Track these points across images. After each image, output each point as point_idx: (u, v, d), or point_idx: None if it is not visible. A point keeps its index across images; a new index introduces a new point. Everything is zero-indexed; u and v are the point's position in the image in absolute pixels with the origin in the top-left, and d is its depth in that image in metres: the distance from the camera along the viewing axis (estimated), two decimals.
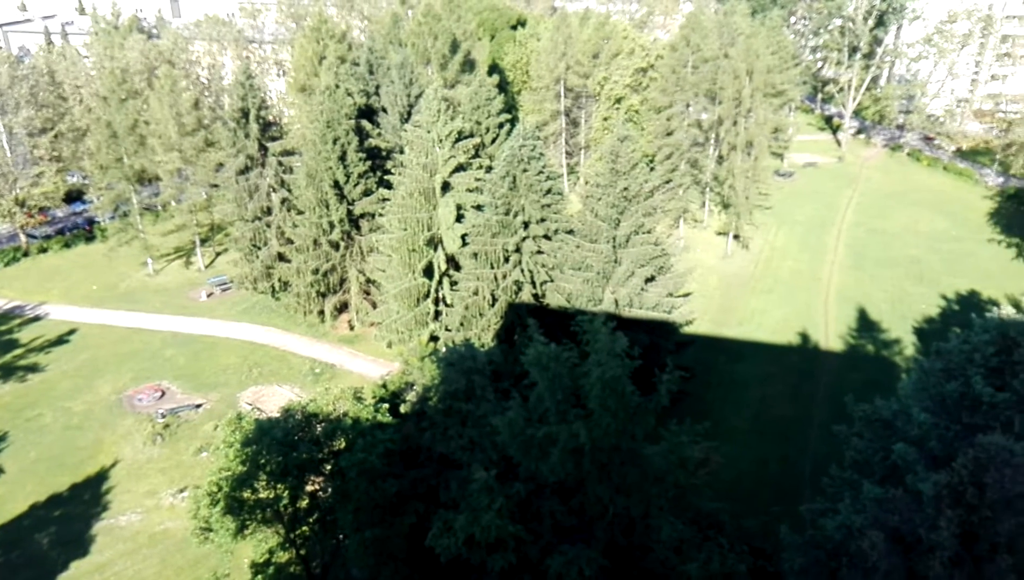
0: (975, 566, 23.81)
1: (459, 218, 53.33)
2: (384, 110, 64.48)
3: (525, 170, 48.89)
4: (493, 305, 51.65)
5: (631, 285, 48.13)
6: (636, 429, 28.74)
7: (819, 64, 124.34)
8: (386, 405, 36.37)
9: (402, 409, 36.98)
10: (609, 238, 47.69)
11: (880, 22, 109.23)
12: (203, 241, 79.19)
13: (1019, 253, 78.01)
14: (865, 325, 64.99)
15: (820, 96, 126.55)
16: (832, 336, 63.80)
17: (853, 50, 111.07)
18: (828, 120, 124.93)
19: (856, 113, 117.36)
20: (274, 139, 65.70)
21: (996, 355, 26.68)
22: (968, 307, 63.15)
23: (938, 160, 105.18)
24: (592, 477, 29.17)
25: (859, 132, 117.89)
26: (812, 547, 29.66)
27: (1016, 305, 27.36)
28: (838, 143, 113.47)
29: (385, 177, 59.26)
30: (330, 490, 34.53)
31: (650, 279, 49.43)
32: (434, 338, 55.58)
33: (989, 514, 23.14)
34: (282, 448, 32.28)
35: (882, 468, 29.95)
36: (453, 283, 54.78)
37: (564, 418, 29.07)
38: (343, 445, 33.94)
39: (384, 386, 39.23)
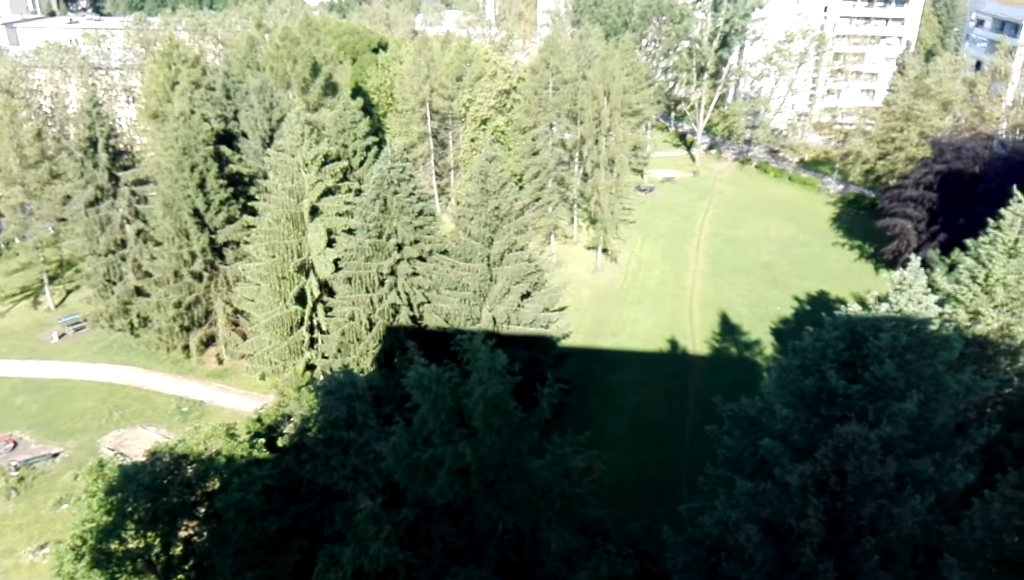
0: (843, 550, 25.33)
1: (330, 243, 52.30)
2: (244, 135, 62.50)
3: (396, 192, 48.64)
4: (371, 329, 50.88)
5: (508, 302, 48.67)
6: (521, 444, 29.02)
7: (671, 84, 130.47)
8: (262, 440, 35.06)
9: (280, 443, 35.71)
10: (483, 257, 48.07)
11: (724, 43, 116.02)
12: (52, 279, 73.66)
13: (861, 255, 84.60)
14: (727, 329, 68.51)
15: (673, 114, 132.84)
16: (698, 341, 66.85)
17: (701, 70, 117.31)
18: (682, 137, 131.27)
19: (707, 129, 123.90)
20: (126, 168, 62.18)
21: (847, 350, 28.46)
22: (819, 307, 67.63)
23: (784, 171, 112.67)
24: (480, 496, 29.17)
25: (711, 147, 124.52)
26: (693, 544, 30.73)
27: (861, 303, 29.48)
28: (692, 158, 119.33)
29: (249, 204, 57.30)
30: (206, 534, 32.80)
31: (526, 295, 50.16)
32: (310, 367, 54.12)
33: (851, 499, 24.67)
34: (150, 494, 30.45)
35: (752, 463, 31.41)
36: (328, 309, 53.57)
37: (449, 439, 28.96)
38: (217, 485, 32.38)
39: (259, 420, 37.81)
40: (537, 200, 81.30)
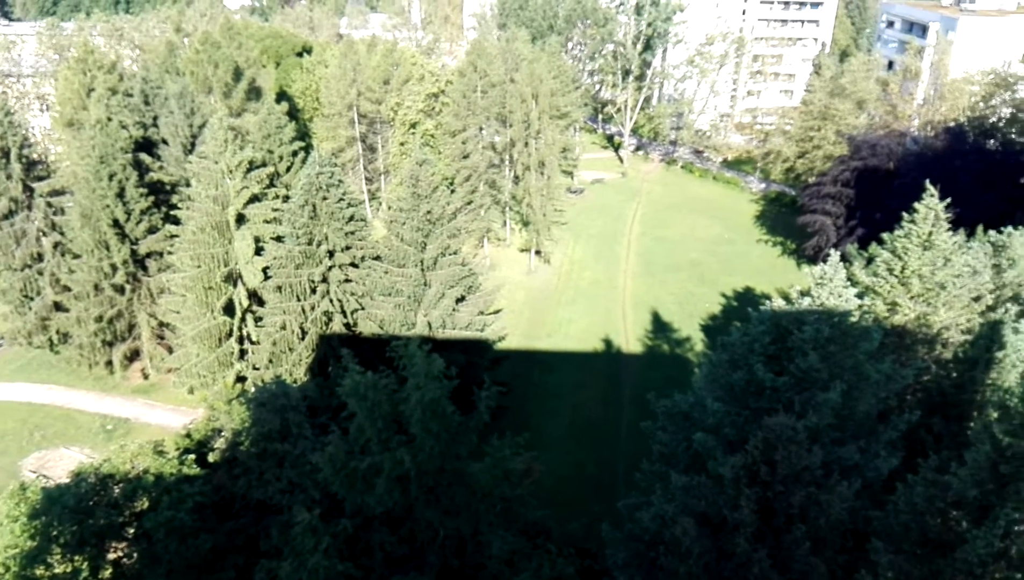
0: (775, 538, 26.04)
1: (258, 251, 51.18)
2: (165, 142, 60.70)
3: (325, 198, 47.94)
4: (303, 338, 49.99)
5: (443, 307, 48.49)
6: (460, 448, 28.94)
7: (597, 87, 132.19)
8: (192, 456, 34.09)
9: (211, 458, 34.75)
10: (417, 262, 47.79)
11: (648, 46, 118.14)
12: None
13: (784, 251, 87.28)
14: (659, 327, 69.76)
15: (601, 117, 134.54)
16: (632, 340, 67.88)
17: (626, 73, 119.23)
18: (610, 139, 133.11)
19: (634, 131, 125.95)
20: (40, 179, 59.60)
21: (773, 344, 29.28)
22: (745, 302, 69.50)
23: (708, 171, 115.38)
24: (420, 502, 28.96)
25: (638, 149, 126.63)
26: (631, 540, 31.15)
27: (785, 297, 30.39)
28: (620, 160, 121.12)
29: (172, 213, 55.60)
30: (136, 555, 31.64)
31: (461, 299, 50.06)
32: (241, 379, 52.88)
33: (782, 488, 25.39)
34: (76, 516, 29.28)
35: (686, 457, 32.05)
36: (258, 319, 52.41)
37: (387, 446, 28.66)
38: (146, 505, 31.32)
39: (188, 435, 36.75)
40: (469, 203, 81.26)
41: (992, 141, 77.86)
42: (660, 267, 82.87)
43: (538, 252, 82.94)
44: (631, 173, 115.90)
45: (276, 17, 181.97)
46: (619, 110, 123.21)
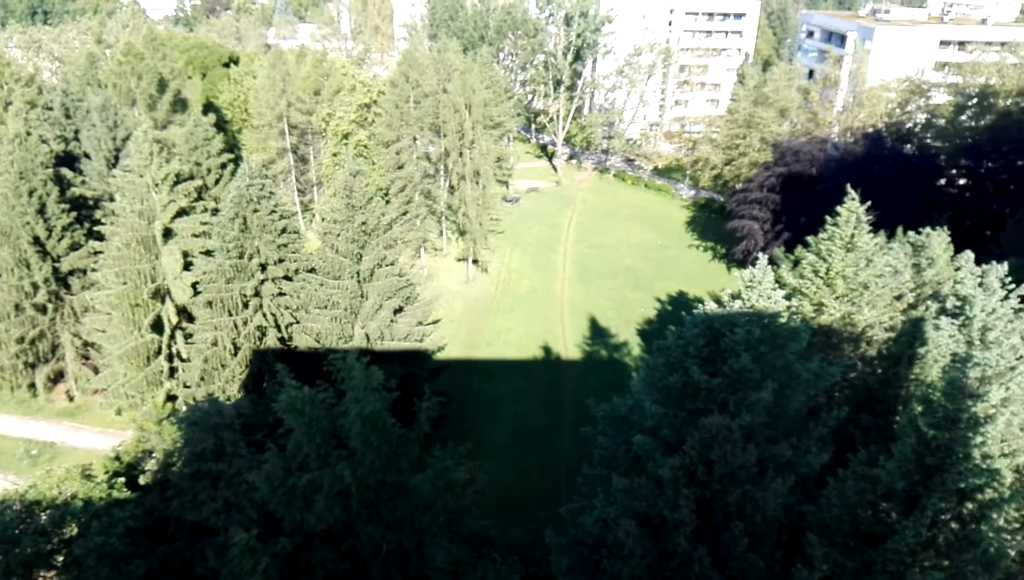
0: (714, 536, 26.54)
1: (187, 266, 49.87)
2: (87, 156, 58.71)
3: (256, 210, 47.04)
4: (236, 354, 48.84)
5: (380, 318, 48.05)
6: (401, 461, 28.69)
7: (529, 97, 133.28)
8: (122, 479, 33.01)
9: (142, 480, 33.69)
10: (353, 273, 47.27)
11: (578, 57, 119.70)
12: None
13: (714, 255, 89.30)
14: (597, 332, 70.50)
15: (534, 126, 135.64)
16: (571, 346, 68.41)
17: (557, 83, 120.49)
18: (543, 148, 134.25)
19: (567, 140, 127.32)
20: None
21: (706, 346, 29.89)
22: (679, 306, 70.86)
23: (640, 179, 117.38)
24: (362, 518, 28.56)
25: (571, 157, 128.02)
26: (575, 545, 31.33)
27: (717, 301, 31.10)
28: (554, 169, 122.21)
29: (96, 228, 53.74)
30: None
31: (399, 310, 49.70)
32: (172, 398, 51.34)
33: (719, 487, 25.90)
34: (1, 545, 27.93)
35: (626, 460, 32.42)
36: (188, 336, 51.00)
37: (326, 461, 28.22)
38: (76, 531, 30.14)
39: (117, 458, 35.60)
40: (405, 214, 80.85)
41: (909, 146, 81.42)
42: (596, 274, 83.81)
43: (475, 261, 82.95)
44: (565, 182, 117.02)
45: (201, 27, 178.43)
46: (552, 120, 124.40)
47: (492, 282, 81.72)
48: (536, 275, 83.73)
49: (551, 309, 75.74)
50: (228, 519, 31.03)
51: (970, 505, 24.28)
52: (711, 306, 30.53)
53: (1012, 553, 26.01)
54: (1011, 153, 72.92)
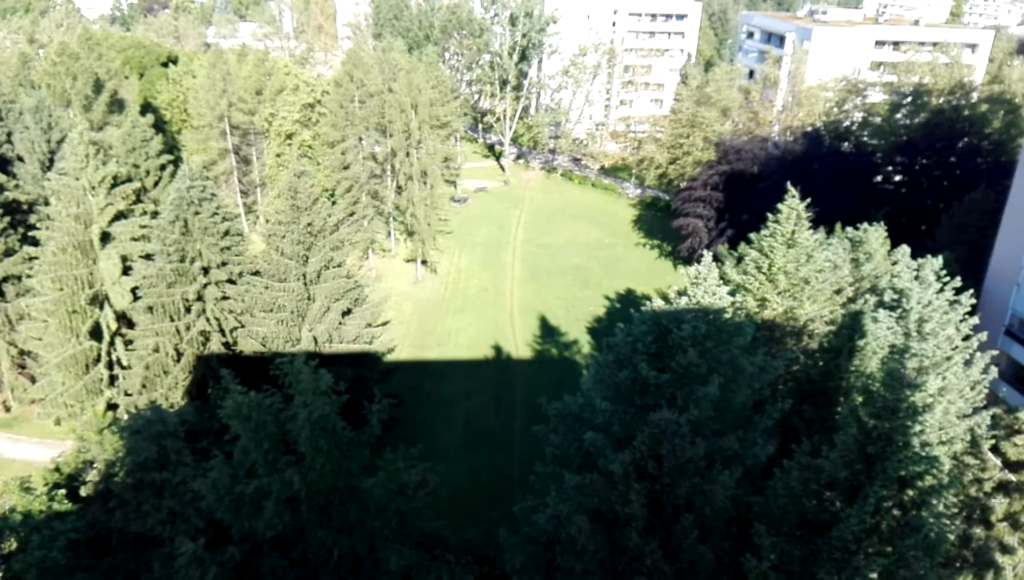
0: (665, 529, 26.91)
1: (126, 270, 48.51)
2: (20, 159, 56.63)
3: (197, 212, 46.04)
4: (179, 360, 47.69)
5: (328, 321, 47.44)
6: (352, 465, 28.34)
7: (476, 97, 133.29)
8: (62, 491, 31.97)
9: (83, 492, 32.62)
10: (299, 276, 46.56)
11: (523, 57, 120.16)
12: None
13: (661, 253, 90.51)
14: (547, 331, 70.81)
15: (481, 126, 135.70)
16: (521, 345, 68.57)
17: (503, 83, 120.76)
18: (491, 148, 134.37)
19: (514, 140, 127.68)
20: None
21: (654, 342, 30.22)
22: (627, 304, 71.58)
23: (587, 178, 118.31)
24: (312, 523, 28.15)
25: (519, 157, 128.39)
26: (529, 543, 31.42)
27: (664, 298, 31.47)
28: (502, 168, 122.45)
29: (30, 233, 51.95)
30: None
31: (347, 312, 49.12)
32: (113, 406, 49.91)
33: (668, 481, 26.27)
34: None
35: (578, 457, 32.60)
36: (128, 342, 49.61)
37: (275, 467, 27.72)
38: (15, 546, 29.08)
39: (57, 469, 34.42)
40: (351, 215, 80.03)
41: (846, 144, 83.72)
42: (545, 273, 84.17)
43: (424, 262, 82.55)
44: (513, 181, 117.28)
45: (138, 27, 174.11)
46: (498, 120, 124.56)
47: (441, 283, 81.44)
48: (485, 275, 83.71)
49: (501, 309, 75.81)
50: (174, 529, 30.27)
51: (911, 492, 25.06)
52: (658, 303, 30.90)
53: (951, 537, 26.98)
54: (944, 150, 75.50)
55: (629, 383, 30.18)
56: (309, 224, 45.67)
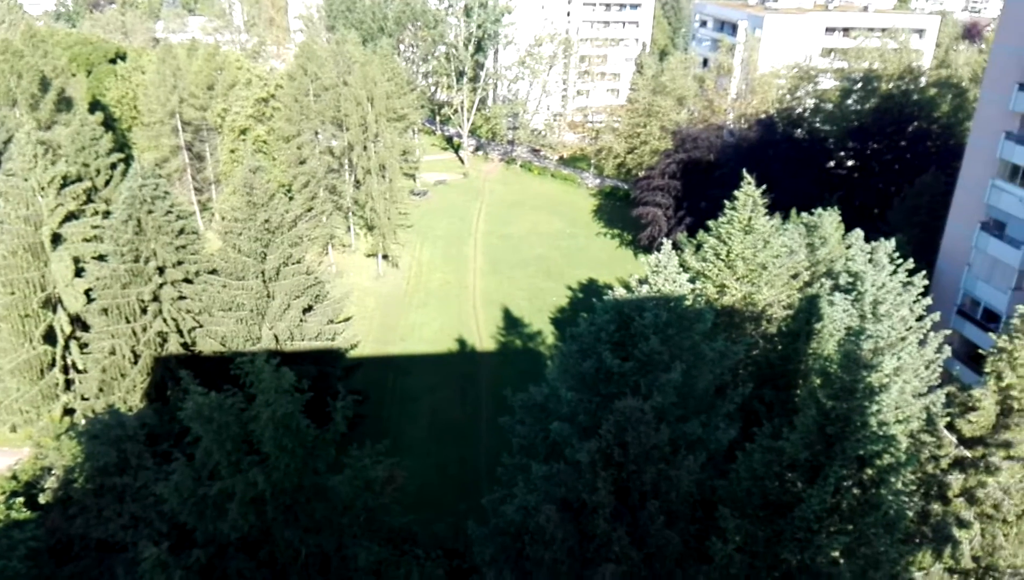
0: (632, 515, 27.21)
1: (79, 272, 47.41)
2: None
3: (150, 211, 45.14)
4: (136, 362, 46.79)
5: (289, 318, 46.92)
6: (317, 463, 28.13)
7: (433, 89, 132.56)
8: (20, 499, 31.40)
9: (42, 499, 31.99)
10: (258, 273, 45.95)
11: (479, 48, 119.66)
12: None
13: (621, 242, 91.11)
14: (511, 323, 70.90)
15: (439, 118, 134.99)
16: (485, 338, 68.57)
17: (460, 74, 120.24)
18: (449, 140, 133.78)
19: (472, 132, 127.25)
20: None
21: (617, 331, 30.57)
22: (590, 293, 71.91)
23: (546, 169, 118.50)
24: (278, 523, 27.89)
25: (477, 149, 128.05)
26: (498, 535, 31.53)
27: (626, 286, 31.78)
28: (461, 161, 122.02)
29: None
30: None
31: (308, 309, 48.62)
32: (69, 411, 48.86)
33: (634, 468, 26.54)
34: None
35: (545, 447, 32.83)
36: (83, 345, 48.52)
37: (238, 468, 27.39)
38: None
39: (14, 477, 33.74)
40: (310, 210, 79.09)
41: (800, 130, 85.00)
42: (507, 264, 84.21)
43: (385, 256, 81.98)
44: (472, 173, 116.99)
45: (85, 23, 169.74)
46: (456, 111, 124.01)
47: (403, 277, 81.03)
48: (447, 268, 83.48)
49: (464, 301, 75.70)
50: (136, 534, 29.80)
51: (870, 471, 25.67)
52: (620, 292, 31.19)
53: (910, 514, 27.73)
54: (894, 134, 77.11)
55: (593, 372, 30.43)
56: (266, 220, 45.08)
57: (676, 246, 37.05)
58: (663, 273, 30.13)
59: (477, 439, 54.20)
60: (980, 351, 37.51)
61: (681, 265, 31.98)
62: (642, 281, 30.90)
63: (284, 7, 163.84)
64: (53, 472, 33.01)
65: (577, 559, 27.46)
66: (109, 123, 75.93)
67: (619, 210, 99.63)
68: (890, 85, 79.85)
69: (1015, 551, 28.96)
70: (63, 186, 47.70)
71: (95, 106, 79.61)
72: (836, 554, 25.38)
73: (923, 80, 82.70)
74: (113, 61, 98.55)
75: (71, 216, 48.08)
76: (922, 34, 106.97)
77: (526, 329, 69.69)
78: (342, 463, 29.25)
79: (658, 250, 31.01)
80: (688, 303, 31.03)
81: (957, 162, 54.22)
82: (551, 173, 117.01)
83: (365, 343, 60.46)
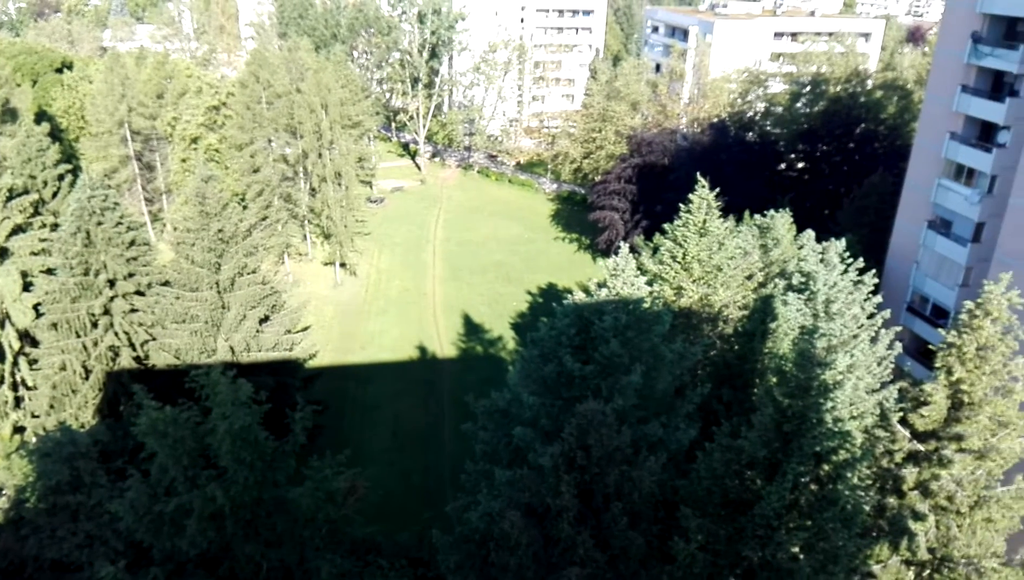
0: (595, 518, 27.31)
1: (27, 287, 46.25)
2: None
3: (100, 223, 44.14)
4: (87, 378, 45.68)
5: (245, 329, 46.24)
6: (277, 475, 27.78)
7: (388, 95, 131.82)
8: None
9: None
10: (212, 284, 45.20)
11: (434, 54, 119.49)
12: None
13: (580, 246, 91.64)
14: (471, 329, 70.80)
15: (394, 125, 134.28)
16: (446, 344, 68.35)
17: (415, 81, 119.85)
18: (405, 146, 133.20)
19: (428, 138, 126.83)
20: None
21: (577, 335, 30.69)
22: (549, 298, 72.24)
23: (504, 174, 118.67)
24: (238, 538, 27.45)
25: (434, 155, 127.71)
26: (462, 542, 31.35)
27: (585, 290, 31.95)
28: (418, 167, 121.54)
29: None
30: None
31: (264, 319, 47.99)
32: (20, 429, 47.58)
33: (597, 470, 26.62)
34: None
35: (508, 453, 32.79)
36: (33, 362, 47.24)
37: (195, 483, 26.92)
38: None
39: None
40: (264, 219, 78.10)
41: (751, 133, 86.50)
42: (467, 270, 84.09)
43: (343, 264, 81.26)
44: (430, 180, 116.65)
45: (29, 32, 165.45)
46: (412, 118, 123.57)
47: (362, 285, 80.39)
48: (406, 275, 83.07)
49: (424, 308, 75.39)
50: (92, 553, 29.10)
51: (826, 467, 26.15)
52: (580, 296, 31.35)
53: (867, 508, 28.30)
54: (842, 136, 78.85)
55: (555, 376, 30.51)
56: (220, 230, 44.41)
57: (633, 249, 37.32)
58: (621, 276, 30.37)
59: (440, 446, 53.96)
60: (930, 346, 38.54)
61: (639, 268, 32.23)
62: (601, 285, 31.10)
63: (235, 14, 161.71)
64: (3, 492, 32.13)
65: (542, 563, 27.46)
66: (56, 134, 74.12)
67: (577, 214, 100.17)
68: (838, 88, 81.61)
69: (969, 541, 29.73)
70: (9, 199, 46.65)
71: (41, 116, 77.63)
72: (796, 550, 25.78)
73: (870, 83, 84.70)
74: (59, 71, 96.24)
75: (18, 229, 46.99)
76: (868, 38, 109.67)
77: (487, 335, 69.66)
78: (303, 475, 28.91)
79: (616, 254, 31.23)
80: (646, 306, 31.32)
81: (904, 163, 55.52)
82: (508, 179, 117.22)
83: (324, 352, 59.85)
